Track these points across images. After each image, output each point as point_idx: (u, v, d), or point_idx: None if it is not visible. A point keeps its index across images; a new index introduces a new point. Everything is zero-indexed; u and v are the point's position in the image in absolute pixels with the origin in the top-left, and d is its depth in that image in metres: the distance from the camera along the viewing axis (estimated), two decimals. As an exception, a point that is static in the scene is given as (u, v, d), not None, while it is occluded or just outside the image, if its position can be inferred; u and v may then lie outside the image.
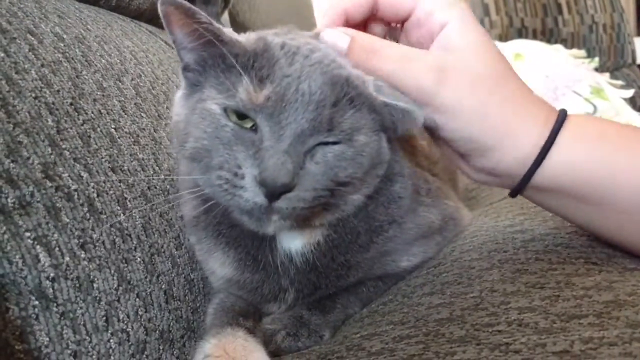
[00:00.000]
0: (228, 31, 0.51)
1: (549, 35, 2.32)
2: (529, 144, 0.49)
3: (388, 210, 0.59)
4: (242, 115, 0.49)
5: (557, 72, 1.81)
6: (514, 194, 0.53)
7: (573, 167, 0.49)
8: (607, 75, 2.07)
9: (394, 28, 0.58)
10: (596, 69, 2.03)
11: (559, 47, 2.06)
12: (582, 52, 2.10)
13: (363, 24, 0.56)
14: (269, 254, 0.57)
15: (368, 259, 0.59)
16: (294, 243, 0.57)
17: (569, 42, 2.33)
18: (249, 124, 0.49)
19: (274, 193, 0.47)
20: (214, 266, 0.62)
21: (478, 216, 0.80)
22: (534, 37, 2.27)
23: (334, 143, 0.49)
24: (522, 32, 2.27)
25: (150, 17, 1.02)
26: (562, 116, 0.50)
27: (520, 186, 0.51)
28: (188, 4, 0.49)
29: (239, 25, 1.37)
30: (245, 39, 0.52)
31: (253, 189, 0.47)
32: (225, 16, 1.27)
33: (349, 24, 0.54)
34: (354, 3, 0.53)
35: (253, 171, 0.47)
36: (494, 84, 0.49)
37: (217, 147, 0.49)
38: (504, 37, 2.19)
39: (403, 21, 0.55)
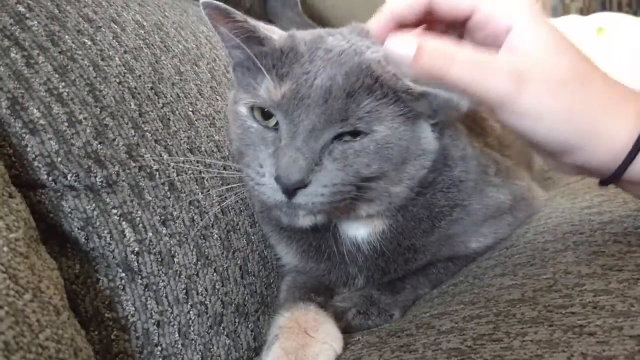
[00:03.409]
0: (264, 28, 0.54)
1: (636, 7, 2.19)
2: (620, 141, 0.46)
3: (448, 195, 0.58)
4: (266, 115, 0.52)
5: (644, 46, 1.70)
6: (604, 184, 0.50)
7: None
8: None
9: (454, 29, 0.53)
10: (689, 42, 1.89)
11: (646, 19, 1.94)
12: (673, 25, 1.96)
13: (419, 26, 0.52)
14: (333, 244, 0.59)
15: (434, 242, 0.59)
16: (359, 232, 0.58)
17: (659, 14, 2.18)
18: (272, 123, 0.52)
19: (288, 190, 0.49)
20: (282, 254, 0.65)
21: (554, 197, 0.77)
22: (619, 9, 2.14)
23: (354, 137, 0.49)
24: (606, 4, 2.16)
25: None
26: None
27: (611, 181, 0.48)
28: (224, 6, 0.53)
29: (308, 12, 1.37)
30: (279, 36, 0.53)
31: (272, 187, 0.50)
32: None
33: (402, 27, 0.50)
34: (406, 6, 0.50)
35: (272, 170, 0.50)
36: (575, 85, 0.46)
37: (247, 148, 0.53)
38: (585, 11, 2.09)
39: (464, 22, 0.51)
